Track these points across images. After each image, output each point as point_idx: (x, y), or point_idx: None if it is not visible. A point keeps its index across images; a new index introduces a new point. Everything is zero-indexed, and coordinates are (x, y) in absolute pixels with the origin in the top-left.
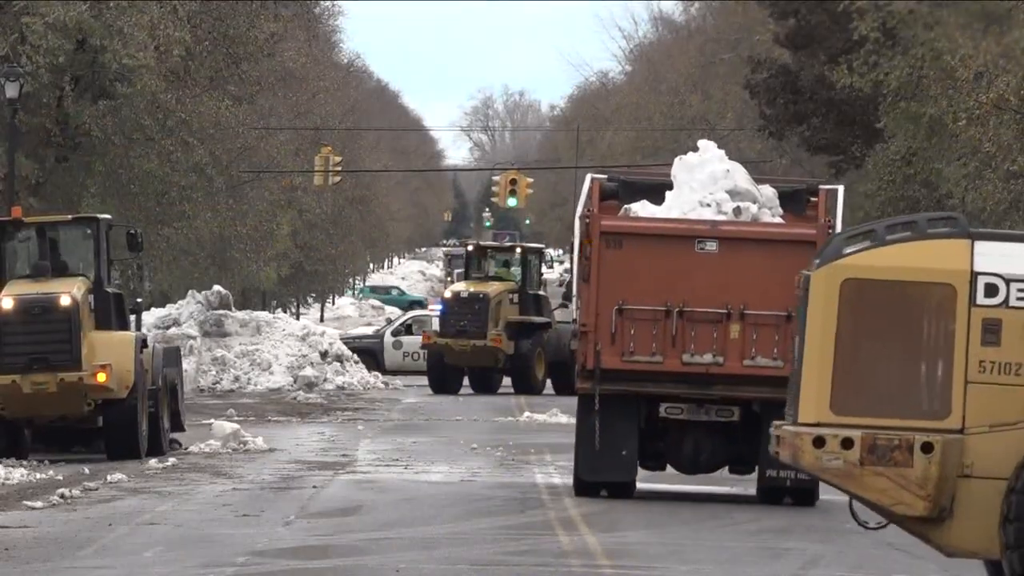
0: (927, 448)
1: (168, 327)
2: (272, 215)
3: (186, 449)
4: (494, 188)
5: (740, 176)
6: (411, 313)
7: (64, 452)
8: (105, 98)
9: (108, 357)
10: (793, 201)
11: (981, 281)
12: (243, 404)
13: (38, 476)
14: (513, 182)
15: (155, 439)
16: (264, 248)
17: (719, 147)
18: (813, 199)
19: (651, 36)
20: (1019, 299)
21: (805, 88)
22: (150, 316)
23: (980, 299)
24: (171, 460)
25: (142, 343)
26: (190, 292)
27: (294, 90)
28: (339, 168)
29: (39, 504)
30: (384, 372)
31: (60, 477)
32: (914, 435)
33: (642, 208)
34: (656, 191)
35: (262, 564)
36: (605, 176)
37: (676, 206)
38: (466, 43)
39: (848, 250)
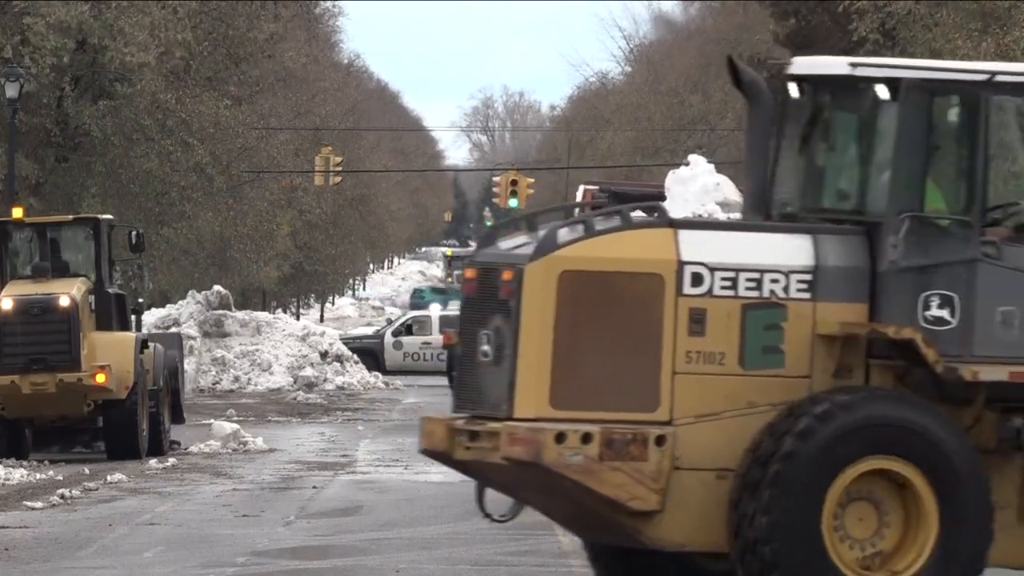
0: (660, 441)
1: (168, 327)
2: (272, 215)
3: (186, 449)
4: (494, 188)
5: (729, 189)
6: (411, 313)
7: (64, 452)
8: (105, 98)
9: (108, 358)
10: None
11: (688, 270)
12: (243, 404)
13: (38, 476)
14: (514, 183)
15: (155, 439)
16: (264, 248)
17: (720, 147)
18: None
19: (651, 36)
20: (722, 288)
21: None
22: (150, 316)
23: (687, 288)
24: (171, 460)
25: (143, 343)
26: (190, 292)
27: (294, 90)
28: (339, 168)
29: (39, 504)
30: (384, 372)
31: (60, 477)
32: (649, 428)
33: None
34: (645, 201)
35: (262, 564)
36: (597, 187)
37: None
38: (466, 43)
39: (562, 241)
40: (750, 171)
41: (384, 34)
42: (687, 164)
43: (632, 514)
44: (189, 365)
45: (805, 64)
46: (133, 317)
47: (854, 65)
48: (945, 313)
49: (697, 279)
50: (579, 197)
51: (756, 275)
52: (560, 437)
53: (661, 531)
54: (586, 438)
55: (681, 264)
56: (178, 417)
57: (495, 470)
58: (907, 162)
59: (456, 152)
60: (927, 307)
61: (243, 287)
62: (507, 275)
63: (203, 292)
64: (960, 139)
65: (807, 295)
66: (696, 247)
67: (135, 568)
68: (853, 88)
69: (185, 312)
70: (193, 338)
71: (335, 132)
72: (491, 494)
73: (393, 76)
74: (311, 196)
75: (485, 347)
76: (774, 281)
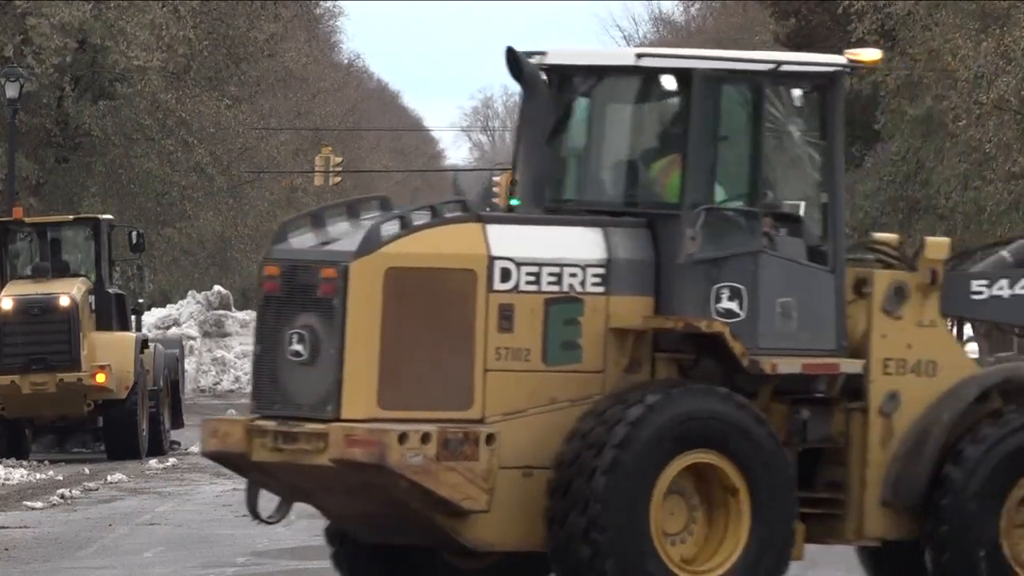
0: (490, 440)
1: (168, 327)
2: (272, 215)
3: (186, 449)
4: (495, 188)
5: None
6: None
7: (64, 452)
8: (105, 98)
9: (108, 358)
10: None
11: (497, 266)
12: (243, 404)
13: (38, 476)
14: (514, 183)
15: (155, 439)
16: (264, 248)
17: None
18: None
19: (651, 36)
20: (528, 283)
21: None
22: (150, 316)
23: (496, 284)
24: (171, 460)
25: (143, 343)
26: (190, 292)
27: (294, 90)
28: (339, 168)
29: (39, 504)
30: None
31: (60, 477)
32: (479, 427)
33: None
34: None
35: (262, 564)
36: None
37: None
38: (466, 43)
39: (385, 237)
40: (528, 164)
41: (384, 34)
42: None
43: (451, 515)
44: (189, 365)
45: (577, 55)
46: (133, 317)
47: (640, 55)
48: (734, 305)
49: (506, 274)
50: None
51: (557, 269)
52: (403, 438)
53: (477, 531)
54: (425, 438)
55: (491, 259)
56: (177, 421)
57: (307, 472)
58: (699, 153)
59: (456, 152)
60: (718, 299)
61: (243, 287)
62: (329, 273)
63: (203, 292)
64: (744, 129)
65: (601, 289)
66: (504, 242)
67: (135, 568)
68: (635, 79)
69: (185, 312)
70: (193, 338)
71: (335, 132)
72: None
73: (393, 76)
74: (311, 196)
75: (296, 347)
76: (572, 275)
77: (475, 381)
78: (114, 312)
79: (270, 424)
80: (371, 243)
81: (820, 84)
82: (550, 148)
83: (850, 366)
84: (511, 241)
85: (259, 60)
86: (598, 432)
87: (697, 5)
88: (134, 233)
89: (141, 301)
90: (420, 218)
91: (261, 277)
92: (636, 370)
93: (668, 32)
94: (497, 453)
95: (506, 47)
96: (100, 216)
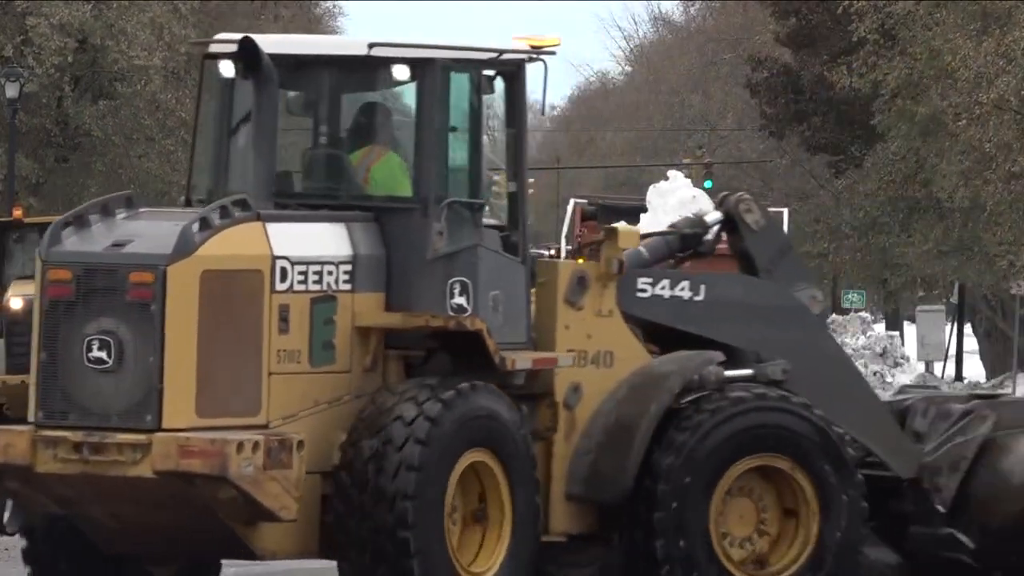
0: (300, 447)
1: None
2: None
3: None
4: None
5: (704, 201)
6: None
7: None
8: (105, 98)
9: None
10: None
11: (278, 265)
12: None
13: None
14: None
15: None
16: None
17: (720, 147)
18: None
19: (651, 36)
20: (299, 283)
21: (806, 87)
22: None
23: (277, 285)
24: None
25: None
26: None
27: None
28: None
29: None
30: None
31: None
32: (292, 434)
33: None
34: (630, 214)
35: (262, 564)
36: (585, 200)
37: (652, 226)
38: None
39: (197, 239)
40: (259, 157)
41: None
42: (673, 175)
43: (249, 524)
44: None
45: (308, 44)
46: None
47: (372, 46)
48: (463, 300)
49: (284, 274)
50: (569, 211)
51: (319, 268)
52: (240, 447)
53: (264, 540)
54: (255, 447)
55: (273, 259)
56: None
57: (113, 483)
58: (434, 146)
59: None
60: (451, 294)
61: None
62: (142, 277)
63: None
64: (469, 120)
65: (349, 286)
66: (281, 240)
67: None
68: (366, 71)
69: None
70: None
71: None
72: None
73: None
74: None
75: (98, 353)
76: (329, 273)
77: (262, 385)
78: None
79: (66, 435)
80: (187, 245)
81: (508, 72)
82: (276, 140)
83: (566, 359)
84: (286, 239)
85: None
86: (394, 428)
87: (697, 5)
88: None
89: None
90: (220, 217)
91: (45, 282)
92: (374, 368)
93: (668, 32)
94: (305, 460)
95: (243, 36)
96: None
